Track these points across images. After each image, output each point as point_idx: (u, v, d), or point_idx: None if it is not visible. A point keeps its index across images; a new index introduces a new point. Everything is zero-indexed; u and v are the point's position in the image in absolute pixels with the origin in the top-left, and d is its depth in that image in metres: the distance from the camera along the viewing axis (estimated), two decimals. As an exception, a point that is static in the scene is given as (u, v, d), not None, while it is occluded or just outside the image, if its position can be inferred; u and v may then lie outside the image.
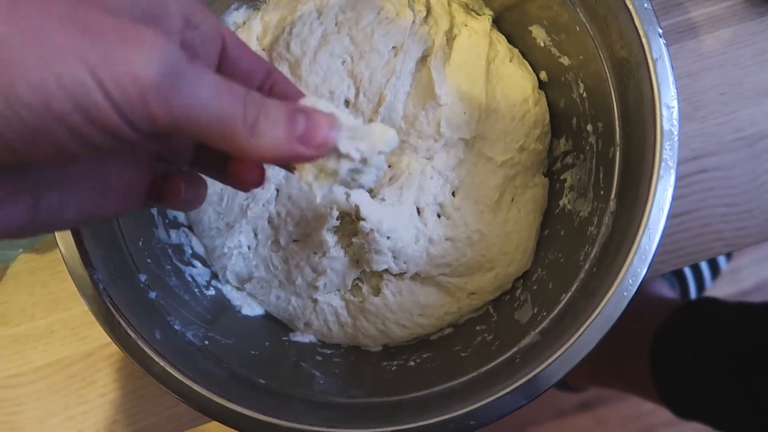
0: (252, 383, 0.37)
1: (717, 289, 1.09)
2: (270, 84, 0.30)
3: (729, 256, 1.00)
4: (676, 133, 0.34)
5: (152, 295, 0.38)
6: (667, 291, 0.86)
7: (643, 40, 0.35)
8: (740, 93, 0.53)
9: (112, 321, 0.34)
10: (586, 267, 0.38)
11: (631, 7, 0.35)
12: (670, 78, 0.35)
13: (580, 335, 0.33)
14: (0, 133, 0.19)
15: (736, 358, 0.59)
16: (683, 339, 0.66)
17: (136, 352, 0.34)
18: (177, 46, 0.21)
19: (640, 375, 0.69)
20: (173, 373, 0.33)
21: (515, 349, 0.38)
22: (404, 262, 0.43)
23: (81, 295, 0.34)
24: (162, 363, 0.34)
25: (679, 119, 0.35)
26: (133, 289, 0.37)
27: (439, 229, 0.43)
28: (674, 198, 0.34)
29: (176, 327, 0.37)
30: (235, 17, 0.46)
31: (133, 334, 0.34)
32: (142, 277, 0.38)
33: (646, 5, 0.35)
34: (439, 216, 0.43)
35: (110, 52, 0.20)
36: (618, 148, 0.38)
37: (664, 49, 0.35)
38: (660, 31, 0.35)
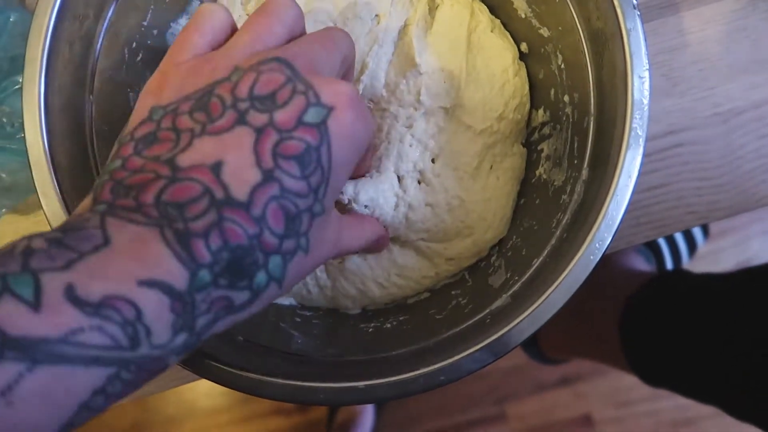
0: (231, 339, 0.38)
1: (696, 270, 1.11)
2: None
3: (707, 233, 1.02)
4: (646, 103, 0.35)
5: (134, 253, 0.39)
6: (642, 265, 0.88)
7: (618, 10, 0.36)
8: (718, 69, 0.54)
9: (94, 276, 0.35)
10: (558, 233, 0.39)
11: (606, -22, 0.36)
12: (643, 49, 0.36)
13: (548, 296, 0.35)
14: None
15: (703, 328, 0.61)
16: (652, 308, 0.68)
17: (118, 306, 0.35)
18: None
19: (611, 343, 0.72)
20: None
21: (486, 311, 0.39)
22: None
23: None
24: (143, 317, 0.34)
25: (650, 90, 0.36)
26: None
27: (419, 195, 0.44)
28: (643, 169, 0.34)
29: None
30: (219, -19, 0.46)
31: (115, 290, 0.35)
32: (125, 236, 0.38)
33: (621, -23, 0.36)
34: (419, 183, 0.44)
35: None
36: (592, 119, 0.39)
37: (638, 20, 0.36)
38: (635, 2, 0.36)
